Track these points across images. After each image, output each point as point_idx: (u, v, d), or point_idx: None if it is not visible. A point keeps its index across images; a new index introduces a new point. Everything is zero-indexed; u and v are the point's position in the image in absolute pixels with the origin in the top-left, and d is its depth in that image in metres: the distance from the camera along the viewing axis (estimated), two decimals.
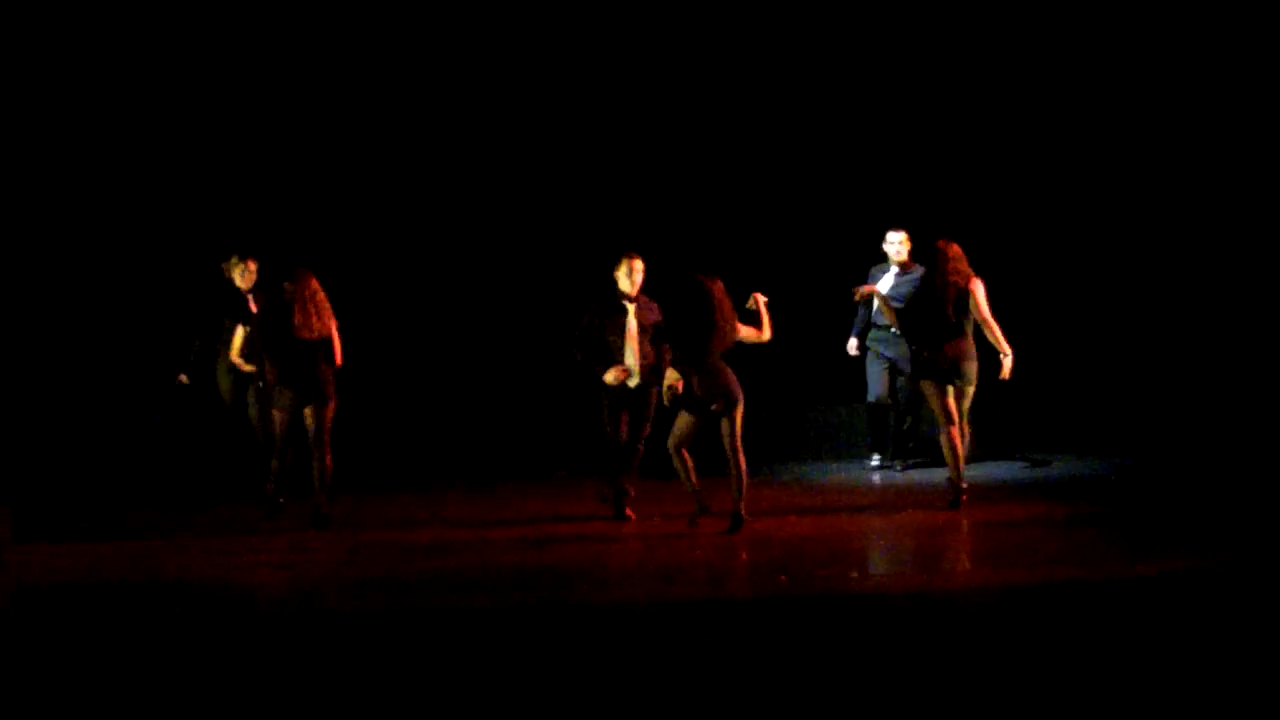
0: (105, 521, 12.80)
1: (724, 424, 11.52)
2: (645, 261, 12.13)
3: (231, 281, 13.38)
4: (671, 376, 11.58)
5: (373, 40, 15.82)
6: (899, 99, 15.89)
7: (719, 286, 11.57)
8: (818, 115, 15.97)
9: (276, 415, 12.29)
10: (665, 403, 11.72)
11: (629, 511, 12.06)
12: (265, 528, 12.12)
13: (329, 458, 12.21)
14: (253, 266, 13.37)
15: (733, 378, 11.55)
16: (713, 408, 11.49)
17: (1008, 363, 12.25)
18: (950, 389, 12.19)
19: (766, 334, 11.88)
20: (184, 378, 13.30)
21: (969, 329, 12.20)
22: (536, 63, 15.94)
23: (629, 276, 12.01)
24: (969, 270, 12.21)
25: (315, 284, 12.28)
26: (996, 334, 12.24)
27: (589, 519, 12.15)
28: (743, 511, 11.49)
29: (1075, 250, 15.68)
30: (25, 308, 15.30)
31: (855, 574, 9.96)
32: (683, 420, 11.61)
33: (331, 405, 12.25)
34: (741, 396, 11.52)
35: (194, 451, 14.42)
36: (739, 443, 11.50)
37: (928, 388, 12.26)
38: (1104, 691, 7.34)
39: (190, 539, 11.88)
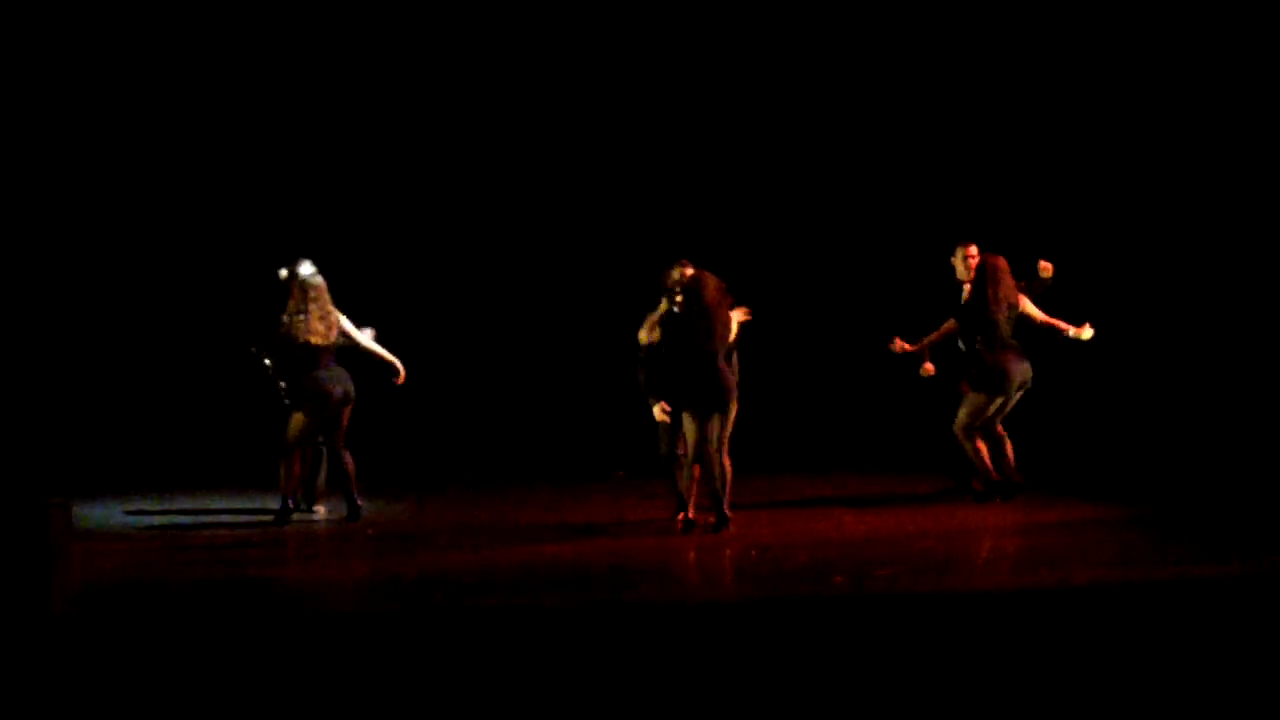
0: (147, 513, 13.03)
1: (714, 422, 11.47)
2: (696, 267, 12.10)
3: None
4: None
5: (417, 50, 16.10)
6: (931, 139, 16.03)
7: (713, 281, 11.50)
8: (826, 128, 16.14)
9: (303, 421, 12.37)
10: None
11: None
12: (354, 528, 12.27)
13: (348, 454, 12.41)
14: None
15: (730, 377, 11.46)
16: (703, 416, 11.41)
17: (1086, 331, 12.56)
18: (999, 400, 12.53)
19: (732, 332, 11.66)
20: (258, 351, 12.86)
21: (1013, 338, 12.63)
22: (574, 70, 16.17)
23: None
24: (1014, 281, 12.63)
25: (323, 285, 12.41)
26: (1056, 323, 12.60)
27: (642, 520, 12.26)
28: (727, 510, 11.53)
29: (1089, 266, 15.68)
30: (87, 303, 15.58)
31: (912, 574, 10.03)
32: (687, 425, 11.53)
33: (348, 408, 12.38)
34: (735, 396, 11.46)
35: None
36: (727, 444, 11.53)
37: (978, 398, 12.54)
38: (1159, 693, 7.42)
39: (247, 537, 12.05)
